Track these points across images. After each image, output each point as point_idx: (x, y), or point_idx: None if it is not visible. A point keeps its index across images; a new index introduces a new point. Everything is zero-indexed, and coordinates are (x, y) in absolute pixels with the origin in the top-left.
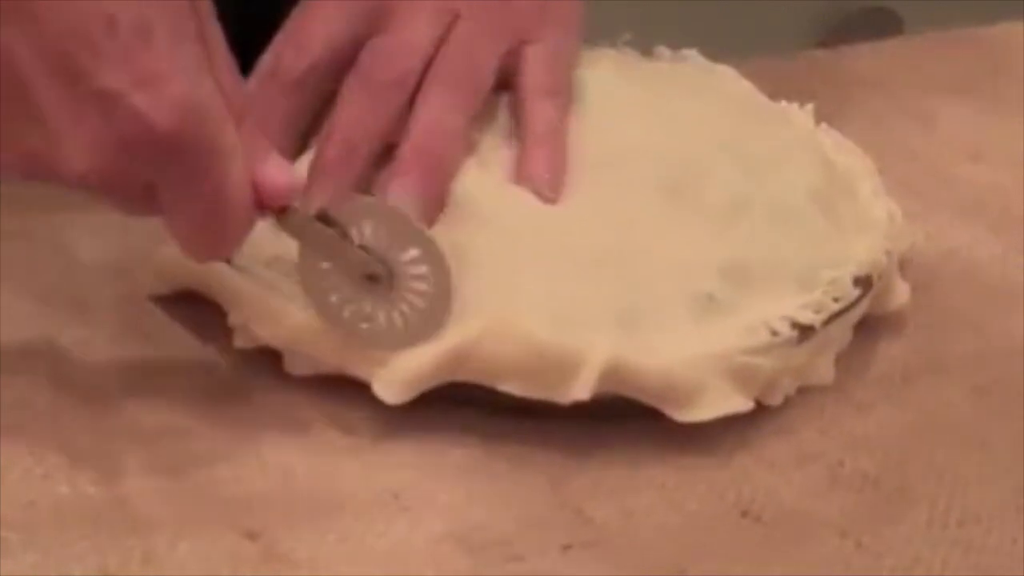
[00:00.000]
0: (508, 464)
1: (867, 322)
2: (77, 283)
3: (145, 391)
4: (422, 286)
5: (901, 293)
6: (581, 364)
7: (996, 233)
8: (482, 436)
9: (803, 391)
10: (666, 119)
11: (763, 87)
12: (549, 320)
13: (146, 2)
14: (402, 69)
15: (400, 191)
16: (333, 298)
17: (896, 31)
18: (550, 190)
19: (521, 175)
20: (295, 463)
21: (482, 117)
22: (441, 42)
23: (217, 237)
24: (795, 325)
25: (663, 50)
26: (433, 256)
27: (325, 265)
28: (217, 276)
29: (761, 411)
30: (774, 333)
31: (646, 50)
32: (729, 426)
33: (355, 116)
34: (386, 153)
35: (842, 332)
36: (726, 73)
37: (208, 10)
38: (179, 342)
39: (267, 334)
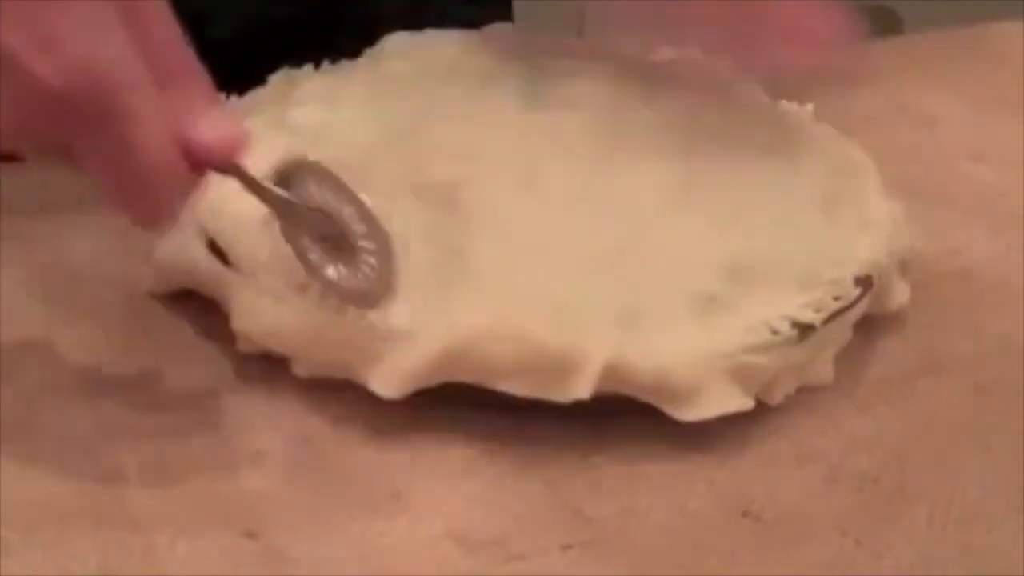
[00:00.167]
0: (508, 464)
1: (867, 322)
2: (77, 283)
3: (145, 390)
4: (368, 244)
5: (901, 293)
6: (581, 363)
7: (996, 233)
8: (482, 436)
9: (803, 391)
10: (670, 116)
11: (763, 87)
12: (549, 319)
13: None
14: None
15: None
16: (312, 256)
17: (896, 31)
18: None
19: None
20: (295, 463)
21: (483, 118)
22: None
23: (141, 199)
24: (795, 324)
25: (665, 49)
26: (367, 215)
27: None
28: (215, 277)
29: (761, 410)
30: (774, 332)
31: (647, 48)
32: (729, 426)
33: None
34: None
35: (842, 331)
36: (726, 70)
37: None
38: (179, 342)
39: (267, 341)
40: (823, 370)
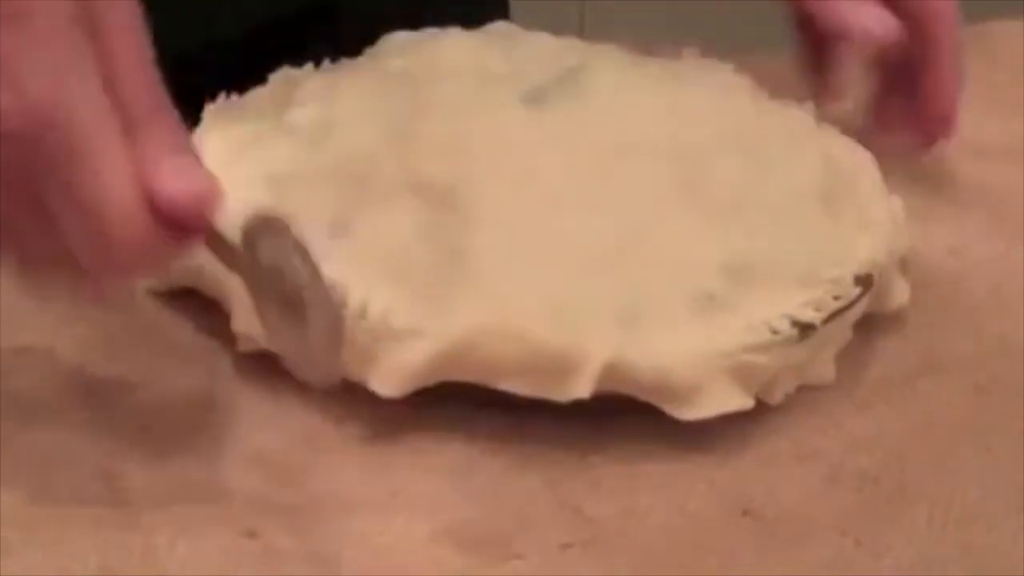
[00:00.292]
0: (507, 463)
1: (867, 321)
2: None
3: (146, 390)
4: (318, 311)
5: (901, 292)
6: (581, 362)
7: (996, 232)
8: (481, 435)
9: (803, 390)
10: (672, 114)
11: (763, 87)
12: (548, 318)
13: None
14: None
15: None
16: (271, 317)
17: None
18: None
19: None
20: (294, 462)
21: (483, 117)
22: None
23: (102, 253)
24: (796, 323)
25: (665, 48)
26: (317, 277)
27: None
28: (216, 277)
29: (761, 410)
30: (774, 331)
31: (646, 48)
32: (729, 425)
33: None
34: None
35: (842, 330)
36: (726, 70)
37: (118, 9)
38: (179, 341)
39: (267, 341)
40: (824, 369)
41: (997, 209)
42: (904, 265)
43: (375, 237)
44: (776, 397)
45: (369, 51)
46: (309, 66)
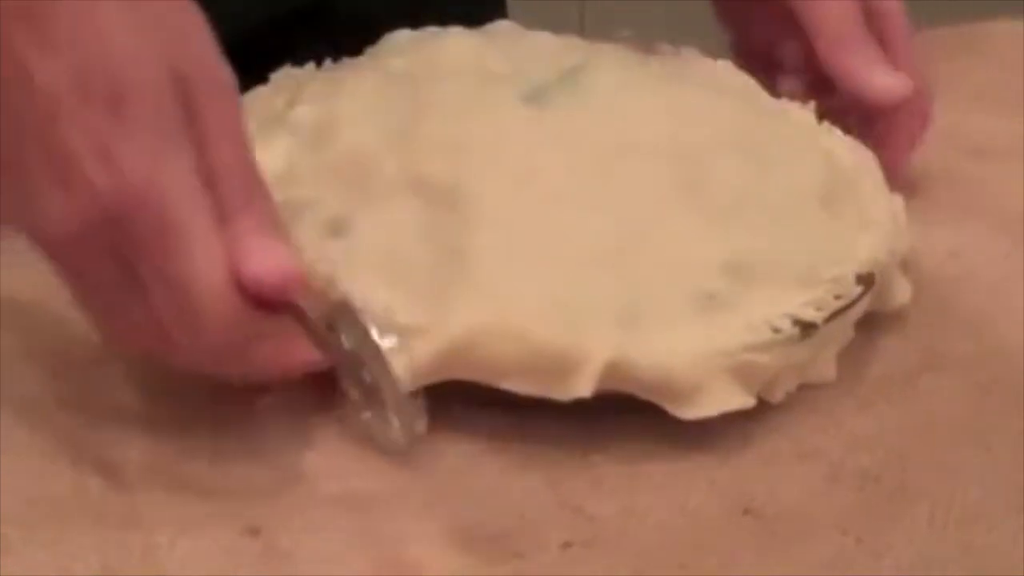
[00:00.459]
0: (508, 462)
1: (868, 321)
2: None
3: (146, 388)
4: (389, 396)
5: (903, 291)
6: (582, 362)
7: (996, 232)
8: (482, 434)
9: (804, 389)
10: (673, 114)
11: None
12: (549, 318)
13: (121, 75)
14: None
15: None
16: (353, 397)
17: None
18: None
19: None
20: (296, 460)
21: (484, 116)
22: None
23: (189, 332)
24: (797, 322)
25: (664, 46)
26: (384, 365)
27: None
28: None
29: (762, 409)
30: (776, 330)
31: (647, 46)
32: (730, 424)
33: None
34: None
35: (844, 329)
36: (727, 68)
37: (215, 90)
38: None
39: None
40: (825, 368)
41: (997, 209)
42: (905, 264)
43: (376, 236)
44: (777, 396)
45: (370, 50)
46: (311, 65)
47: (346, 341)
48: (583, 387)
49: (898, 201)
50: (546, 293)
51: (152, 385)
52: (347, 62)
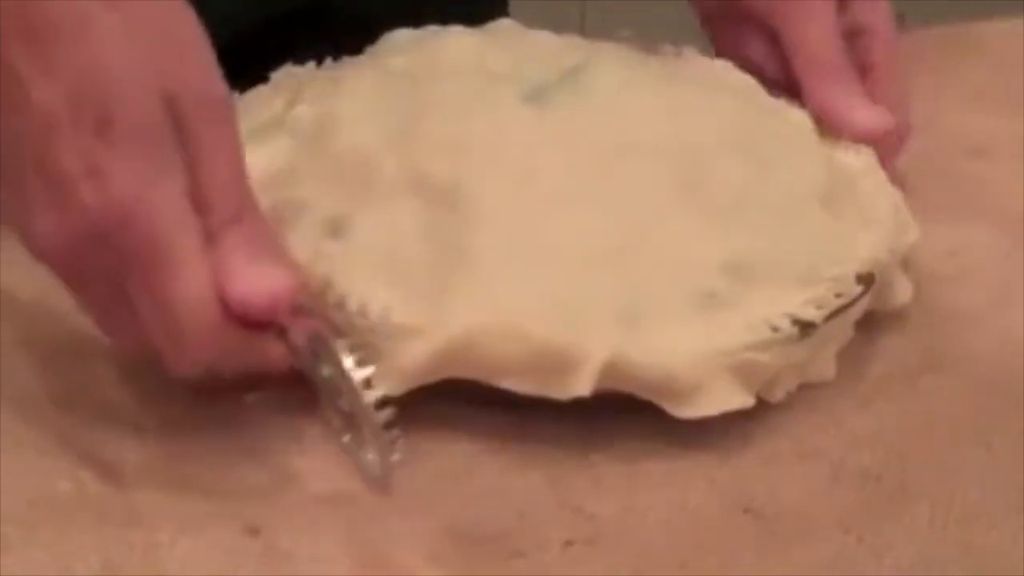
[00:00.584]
0: (508, 461)
1: (868, 320)
2: None
3: (147, 387)
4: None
5: (904, 290)
6: (582, 361)
7: (996, 231)
8: (483, 433)
9: (805, 388)
10: (673, 113)
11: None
12: (548, 317)
13: (113, 96)
14: None
15: None
16: (335, 423)
17: (897, 28)
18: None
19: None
20: (296, 460)
21: (484, 115)
22: None
23: (175, 348)
24: (797, 322)
25: (666, 46)
26: (352, 391)
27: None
28: None
29: (763, 408)
30: (775, 329)
31: (648, 46)
32: (730, 423)
33: None
34: None
35: (843, 329)
36: (726, 67)
37: (208, 109)
38: None
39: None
40: (825, 367)
41: (997, 209)
42: (906, 263)
43: (375, 236)
44: (777, 395)
45: (370, 49)
46: (311, 64)
47: (324, 369)
48: (582, 386)
49: (899, 197)
50: (546, 292)
51: (153, 384)
52: (347, 61)
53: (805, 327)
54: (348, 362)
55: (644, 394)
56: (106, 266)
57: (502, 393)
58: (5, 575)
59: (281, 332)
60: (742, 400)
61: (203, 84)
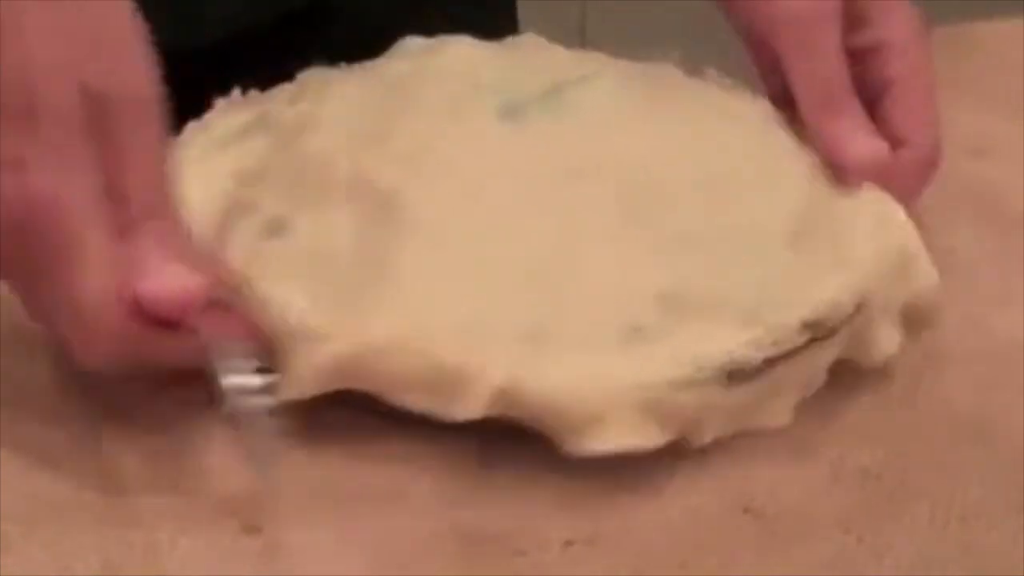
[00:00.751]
0: (509, 459)
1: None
2: None
3: (147, 387)
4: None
5: (887, 342)
6: (474, 382)
7: (996, 231)
8: (483, 431)
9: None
10: (646, 142)
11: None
12: (452, 335)
13: (37, 90)
14: None
15: None
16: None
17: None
18: None
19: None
20: (295, 458)
21: (456, 127)
22: None
23: (81, 341)
24: (728, 364)
25: (710, 71)
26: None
27: None
28: None
29: None
30: (699, 369)
31: (693, 69)
32: None
33: None
34: None
35: (802, 376)
36: (743, 94)
37: (132, 108)
38: None
39: None
40: (776, 414)
41: (997, 209)
42: (913, 310)
43: (309, 238)
44: (704, 439)
45: (385, 55)
46: (341, 66)
47: (219, 377)
48: (473, 408)
49: (911, 239)
50: (458, 310)
51: (153, 384)
52: (358, 65)
53: (736, 370)
54: (230, 378)
55: (536, 424)
56: (24, 254)
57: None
58: (5, 575)
59: (192, 332)
60: (650, 439)
61: (130, 82)
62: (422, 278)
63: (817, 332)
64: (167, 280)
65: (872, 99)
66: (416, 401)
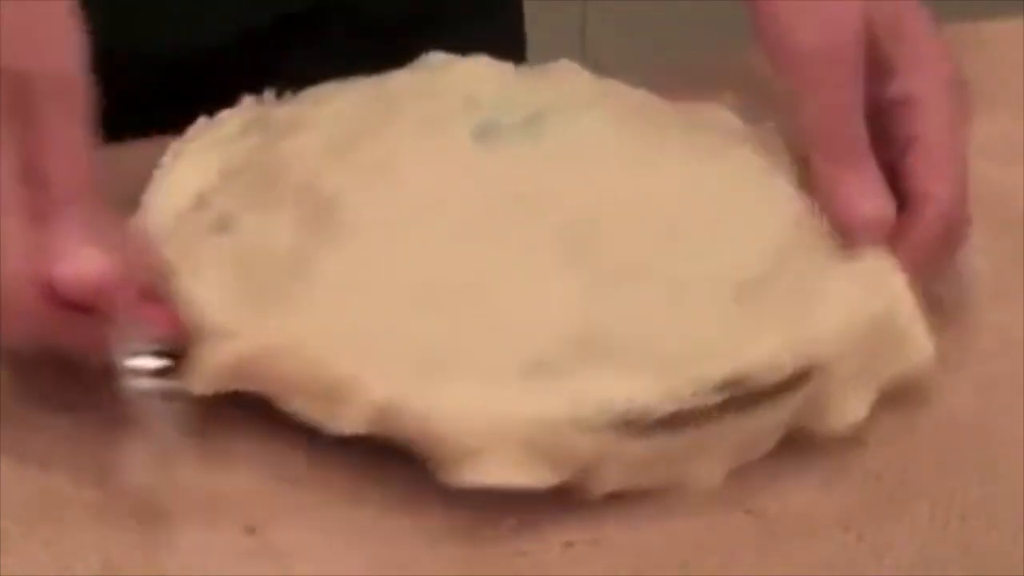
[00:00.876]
0: None
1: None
2: None
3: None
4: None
5: (852, 410)
6: (355, 396)
7: (996, 230)
8: None
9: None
10: (611, 174)
11: (763, 85)
12: (347, 347)
13: None
14: None
15: None
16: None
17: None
18: None
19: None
20: (294, 457)
21: (427, 144)
22: None
23: None
24: (630, 413)
25: (768, 125)
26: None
27: None
28: None
29: None
30: (598, 412)
31: (745, 113)
32: None
33: None
34: None
35: (732, 437)
36: (756, 135)
37: (55, 93)
38: None
39: None
40: (701, 476)
41: (997, 209)
42: (903, 381)
43: (247, 237)
44: (605, 487)
45: (408, 67)
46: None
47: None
48: (353, 422)
49: (904, 311)
50: (359, 322)
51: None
52: (380, 76)
53: (635, 420)
54: (132, 361)
55: (415, 448)
56: None
57: None
58: (5, 574)
59: (106, 317)
60: (537, 478)
61: (54, 65)
62: (335, 286)
63: (737, 391)
64: (80, 263)
65: (896, 155)
66: (304, 409)
